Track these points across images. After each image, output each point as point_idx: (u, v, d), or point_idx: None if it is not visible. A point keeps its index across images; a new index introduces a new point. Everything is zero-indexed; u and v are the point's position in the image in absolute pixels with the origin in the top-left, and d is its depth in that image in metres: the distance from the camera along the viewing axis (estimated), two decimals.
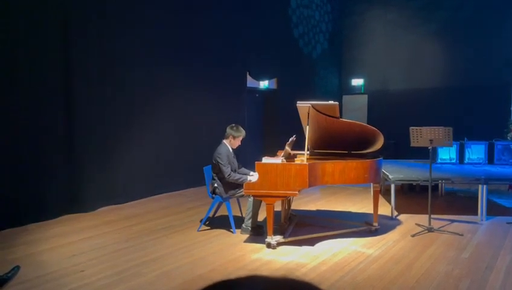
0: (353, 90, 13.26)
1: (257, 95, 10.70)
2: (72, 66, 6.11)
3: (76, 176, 6.21)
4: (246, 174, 5.25)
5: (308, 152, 5.18)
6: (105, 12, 6.60)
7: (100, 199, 6.52)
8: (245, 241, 4.97)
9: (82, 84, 6.24)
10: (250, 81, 10.03)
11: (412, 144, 5.37)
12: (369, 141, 5.50)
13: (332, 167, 4.87)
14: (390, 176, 6.12)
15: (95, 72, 6.43)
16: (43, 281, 3.77)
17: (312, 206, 6.87)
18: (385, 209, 6.32)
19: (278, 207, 5.41)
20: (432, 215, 5.44)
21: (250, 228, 5.22)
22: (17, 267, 3.96)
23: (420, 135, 5.29)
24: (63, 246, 4.74)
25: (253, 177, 4.95)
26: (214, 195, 5.36)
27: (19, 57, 5.55)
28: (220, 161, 5.11)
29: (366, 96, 13.03)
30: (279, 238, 4.84)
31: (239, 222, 5.40)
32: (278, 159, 5.11)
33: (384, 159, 5.62)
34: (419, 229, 5.36)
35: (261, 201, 5.06)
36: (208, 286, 0.51)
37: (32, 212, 5.63)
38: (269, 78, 10.70)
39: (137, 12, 7.13)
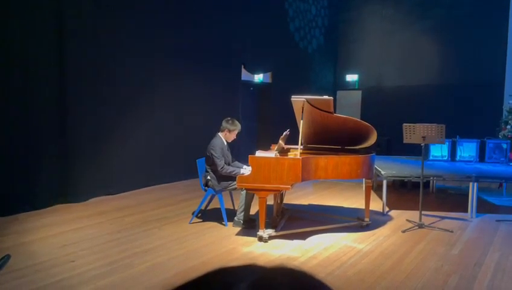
0: (347, 86, 13.28)
1: (251, 89, 10.69)
2: (65, 56, 6.05)
3: (69, 165, 6.18)
4: (239, 167, 5.26)
5: (301, 147, 5.19)
6: (101, 2, 6.53)
7: (92, 189, 6.49)
8: (237, 234, 4.99)
9: (75, 74, 6.18)
10: (245, 75, 10.00)
11: (405, 141, 5.40)
12: (362, 137, 5.52)
13: (326, 161, 4.89)
14: (382, 172, 6.15)
15: (88, 63, 6.37)
16: (33, 271, 3.75)
17: (304, 201, 6.89)
18: (377, 204, 6.36)
19: (270, 201, 5.42)
20: (423, 212, 5.49)
21: (242, 221, 5.23)
22: (8, 256, 3.95)
23: (413, 132, 5.32)
24: (54, 236, 4.73)
25: (246, 170, 4.97)
26: (206, 187, 5.36)
27: (12, 48, 5.49)
28: (213, 153, 5.11)
29: (360, 92, 13.06)
30: (271, 231, 4.86)
31: (231, 214, 5.41)
32: (272, 153, 5.12)
33: (376, 155, 5.65)
34: (410, 225, 5.40)
35: (253, 194, 5.07)
36: (206, 273, 0.51)
37: (23, 202, 5.60)
38: (264, 71, 10.68)
39: (133, 4, 7.07)
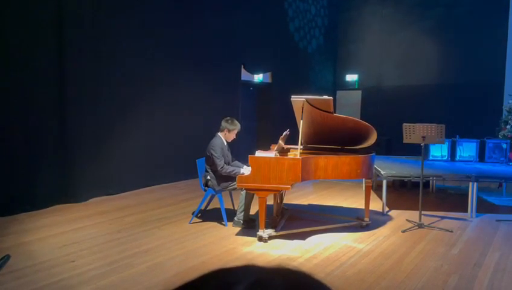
0: (347, 86, 13.29)
1: (251, 89, 10.69)
2: (64, 57, 6.05)
3: (69, 166, 6.18)
4: (239, 167, 5.26)
5: (301, 147, 5.19)
6: (101, 4, 6.53)
7: (92, 189, 6.49)
8: (237, 234, 4.99)
9: (75, 75, 6.19)
10: (245, 75, 10.00)
11: (405, 141, 5.40)
12: (362, 137, 5.52)
13: (326, 161, 4.89)
14: (382, 172, 6.15)
15: (88, 63, 6.37)
16: (33, 271, 3.75)
17: (304, 201, 6.89)
18: (376, 204, 6.37)
19: (270, 201, 5.43)
20: (423, 212, 5.49)
21: (242, 221, 5.23)
22: (8, 257, 3.95)
23: (413, 132, 5.32)
24: (54, 236, 4.73)
25: (246, 170, 4.97)
26: (206, 187, 5.36)
27: (12, 48, 5.49)
28: (213, 153, 5.11)
29: (360, 92, 13.07)
30: (270, 231, 4.86)
31: (231, 214, 5.41)
32: (272, 153, 5.12)
33: (376, 155, 5.65)
34: (410, 225, 5.40)
35: (253, 194, 5.07)
36: (205, 274, 0.51)
37: (23, 202, 5.60)
38: (264, 71, 10.69)
39: (133, 4, 7.07)
